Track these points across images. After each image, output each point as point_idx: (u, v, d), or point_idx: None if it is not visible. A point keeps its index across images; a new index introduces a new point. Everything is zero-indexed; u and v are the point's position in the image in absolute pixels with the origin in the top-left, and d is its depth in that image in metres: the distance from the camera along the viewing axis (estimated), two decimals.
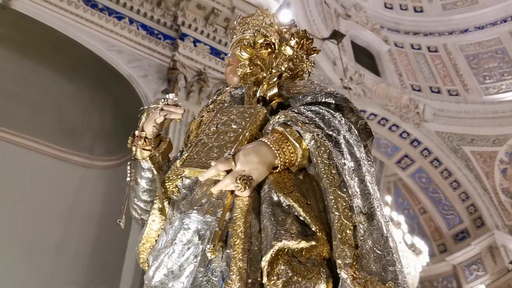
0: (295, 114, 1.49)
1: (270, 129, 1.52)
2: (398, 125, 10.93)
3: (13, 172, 5.57)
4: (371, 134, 1.71)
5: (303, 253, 1.27)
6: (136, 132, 1.77)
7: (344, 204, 1.31)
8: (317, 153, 1.40)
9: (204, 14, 7.44)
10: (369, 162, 1.55)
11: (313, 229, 1.31)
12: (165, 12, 7.28)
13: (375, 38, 12.77)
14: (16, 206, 5.38)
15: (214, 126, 1.65)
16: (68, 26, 6.19)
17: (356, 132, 1.57)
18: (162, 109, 1.71)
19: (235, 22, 2.43)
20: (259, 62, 1.92)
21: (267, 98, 1.76)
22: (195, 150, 1.56)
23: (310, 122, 1.46)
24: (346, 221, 1.28)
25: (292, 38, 1.92)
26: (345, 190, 1.33)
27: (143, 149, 1.76)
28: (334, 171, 1.37)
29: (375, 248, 1.26)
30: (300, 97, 1.73)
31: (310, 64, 1.98)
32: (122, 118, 6.48)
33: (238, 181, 1.33)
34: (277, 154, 1.42)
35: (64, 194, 5.68)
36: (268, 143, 1.43)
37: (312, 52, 1.99)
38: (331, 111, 1.58)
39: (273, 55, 1.91)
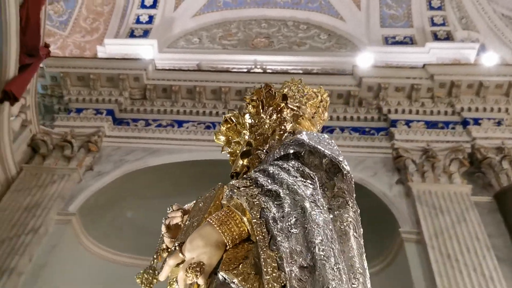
0: (236, 182, 1.40)
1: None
2: None
3: None
4: (338, 170, 1.47)
5: None
6: (157, 246, 1.74)
7: (273, 264, 1.18)
8: (251, 215, 1.29)
9: (405, 94, 7.39)
10: (334, 204, 1.41)
11: None
12: (368, 108, 7.46)
13: None
14: None
15: (188, 219, 1.59)
16: None
17: (313, 174, 1.42)
18: (167, 217, 1.73)
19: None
20: (237, 139, 1.87)
21: (239, 172, 1.69)
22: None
23: (250, 184, 1.37)
24: (274, 284, 1.15)
25: (248, 104, 1.86)
26: (274, 248, 1.21)
27: None
28: (264, 229, 1.25)
29: None
30: (266, 159, 1.63)
31: (275, 120, 1.86)
32: (367, 222, 6.51)
33: (188, 271, 1.27)
34: (220, 232, 1.32)
35: None
36: (211, 221, 1.34)
37: (280, 106, 1.88)
38: (283, 162, 1.46)
39: (247, 128, 1.86)
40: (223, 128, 1.96)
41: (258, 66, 8.46)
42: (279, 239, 1.22)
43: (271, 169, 1.43)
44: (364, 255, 1.41)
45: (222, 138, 1.97)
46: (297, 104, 2.05)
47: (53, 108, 7.75)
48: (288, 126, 1.91)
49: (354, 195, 1.49)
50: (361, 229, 1.46)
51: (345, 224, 1.39)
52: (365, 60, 7.86)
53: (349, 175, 1.49)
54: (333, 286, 1.15)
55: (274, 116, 1.92)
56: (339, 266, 1.21)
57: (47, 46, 6.31)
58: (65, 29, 8.78)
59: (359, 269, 1.33)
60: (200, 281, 1.29)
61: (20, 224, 5.69)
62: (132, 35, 8.94)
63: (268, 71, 8.19)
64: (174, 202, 1.82)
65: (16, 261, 5.34)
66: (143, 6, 9.23)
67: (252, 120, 1.91)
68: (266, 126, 1.88)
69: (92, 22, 8.97)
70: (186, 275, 1.28)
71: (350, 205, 1.44)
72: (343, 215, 1.41)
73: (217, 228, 1.33)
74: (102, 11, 9.05)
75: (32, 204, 5.96)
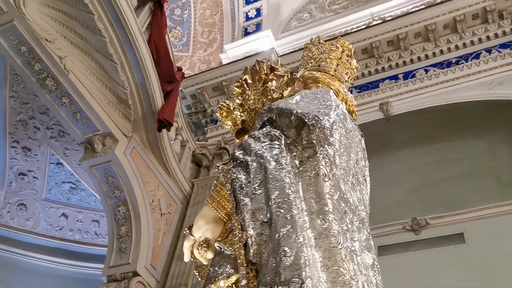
0: (221, 162, 1.53)
1: None
2: None
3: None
4: (303, 124, 1.50)
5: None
6: None
7: (238, 226, 1.31)
8: (226, 188, 1.44)
9: None
10: (305, 156, 1.45)
11: (238, 262, 1.29)
12: None
13: None
14: None
15: None
16: (446, 95, 6.39)
17: (280, 134, 1.50)
18: None
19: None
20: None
21: None
22: None
23: (228, 161, 1.48)
24: (239, 243, 1.28)
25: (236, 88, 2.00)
26: (239, 211, 1.33)
27: None
28: (232, 197, 1.37)
29: (274, 253, 1.21)
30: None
31: (260, 93, 1.94)
32: None
33: (198, 248, 1.47)
34: (213, 208, 1.51)
35: None
36: (207, 201, 1.54)
37: (262, 79, 1.95)
38: (256, 132, 1.55)
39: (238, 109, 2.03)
40: (219, 116, 2.11)
41: (376, 18, 8.09)
42: (242, 203, 1.34)
43: (244, 142, 1.54)
44: (337, 196, 1.39)
45: (229, 123, 2.09)
46: (316, 63, 2.10)
47: (201, 123, 8.36)
48: (286, 92, 1.95)
49: (331, 139, 1.49)
50: (340, 170, 1.46)
51: (314, 172, 1.42)
52: None
53: (318, 125, 1.49)
54: (283, 232, 1.22)
55: (260, 89, 2.00)
56: (293, 213, 1.27)
57: (180, 69, 6.82)
58: (188, 50, 9.41)
59: (330, 210, 1.34)
60: (210, 255, 1.47)
61: None
62: (246, 33, 9.22)
63: (388, 18, 7.78)
64: None
65: None
66: (247, 2, 9.46)
67: (239, 100, 2.03)
68: (250, 102, 1.99)
69: (208, 34, 9.47)
70: (198, 252, 1.48)
71: (318, 153, 1.46)
72: (312, 164, 1.45)
73: (211, 206, 1.53)
74: (214, 21, 9.50)
75: None
